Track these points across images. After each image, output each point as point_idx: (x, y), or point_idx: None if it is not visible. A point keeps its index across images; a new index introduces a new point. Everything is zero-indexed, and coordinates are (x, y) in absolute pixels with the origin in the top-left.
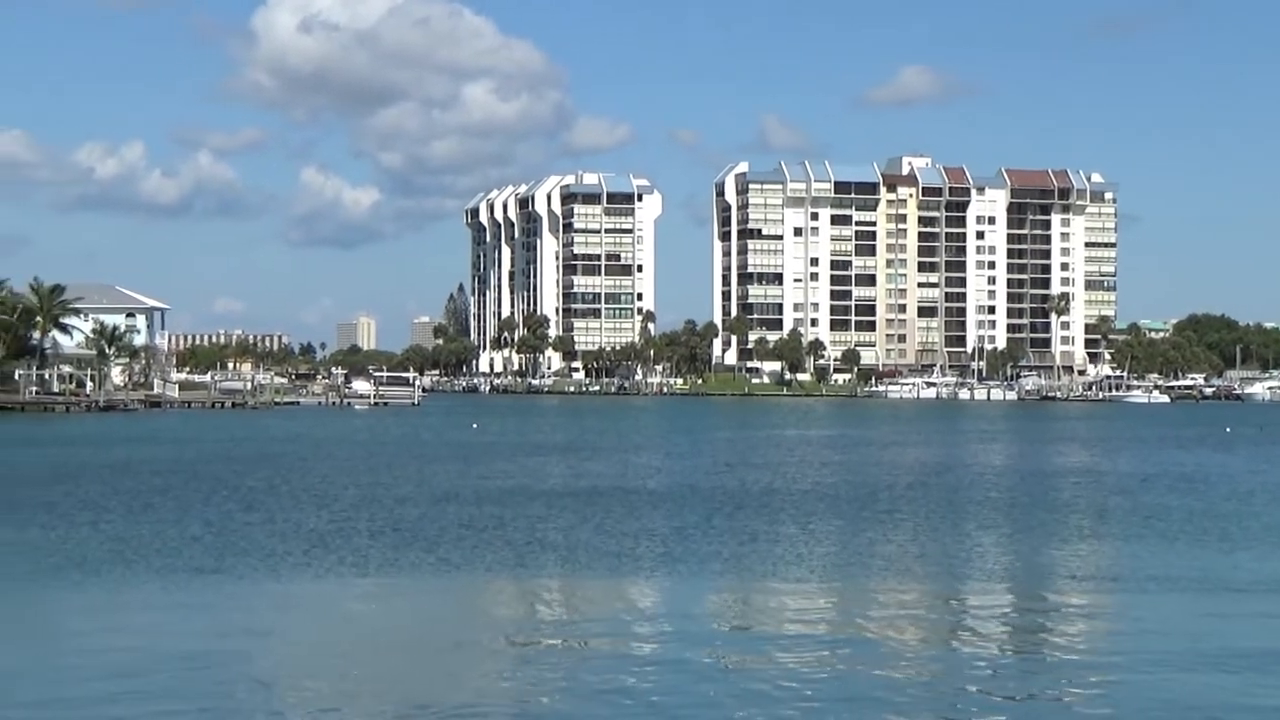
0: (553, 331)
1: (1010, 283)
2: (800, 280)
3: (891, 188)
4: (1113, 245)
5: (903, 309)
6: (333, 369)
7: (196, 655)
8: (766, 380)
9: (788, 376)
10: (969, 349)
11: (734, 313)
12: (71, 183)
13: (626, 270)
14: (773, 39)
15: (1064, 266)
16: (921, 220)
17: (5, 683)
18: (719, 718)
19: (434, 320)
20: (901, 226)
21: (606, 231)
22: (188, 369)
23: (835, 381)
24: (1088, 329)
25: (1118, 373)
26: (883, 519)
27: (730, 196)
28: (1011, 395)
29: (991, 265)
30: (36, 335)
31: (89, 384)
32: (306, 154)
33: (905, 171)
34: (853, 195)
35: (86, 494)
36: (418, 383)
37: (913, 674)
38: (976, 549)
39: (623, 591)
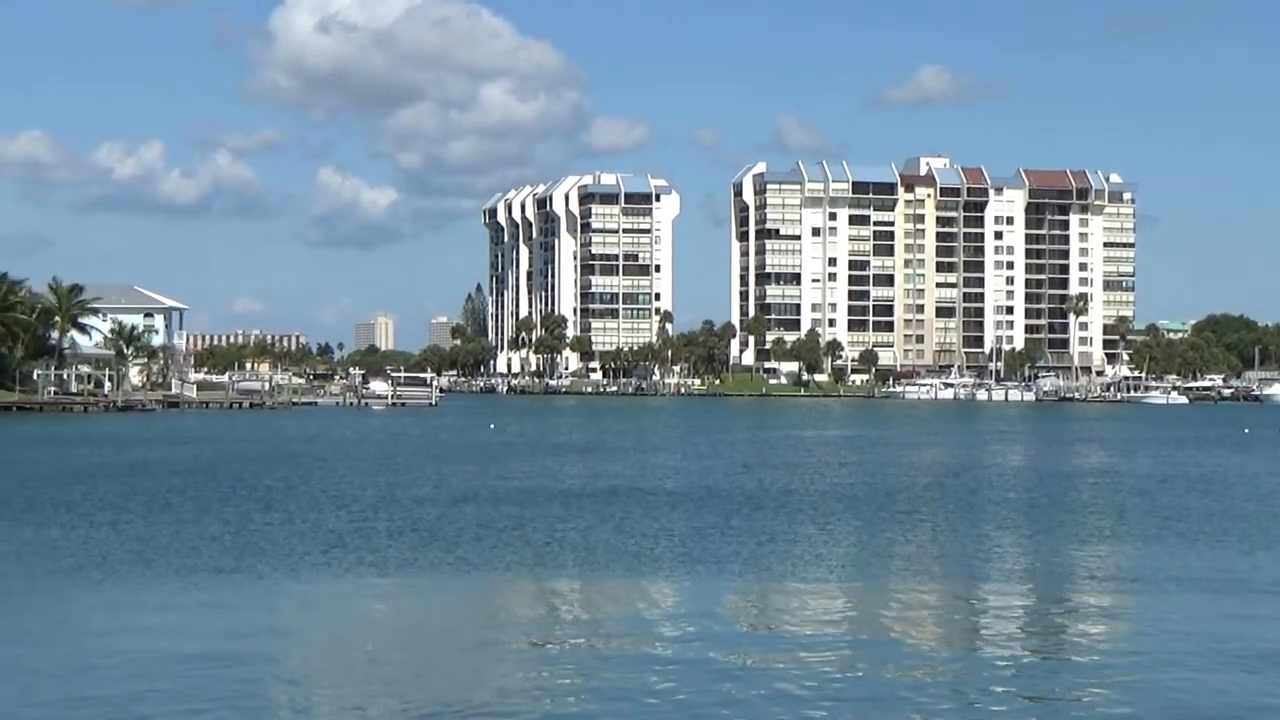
0: (570, 332)
1: (1028, 283)
2: (818, 281)
3: (909, 188)
4: (1131, 246)
5: (920, 309)
6: (350, 369)
7: (219, 655)
8: (784, 381)
9: (805, 377)
10: (987, 349)
11: (751, 313)
12: (90, 183)
13: (644, 270)
14: (790, 40)
15: (1082, 267)
16: (939, 220)
17: (31, 681)
18: (745, 716)
19: (452, 320)
20: (919, 227)
21: (624, 232)
22: (205, 369)
23: (853, 382)
24: (1106, 330)
25: (1136, 373)
26: (901, 519)
27: (748, 197)
28: (1029, 396)
29: (1010, 266)
30: (55, 335)
31: (107, 384)
32: (324, 154)
33: (923, 172)
34: (870, 195)
35: (106, 494)
36: (435, 383)
37: (935, 674)
38: (996, 549)
39: (642, 591)
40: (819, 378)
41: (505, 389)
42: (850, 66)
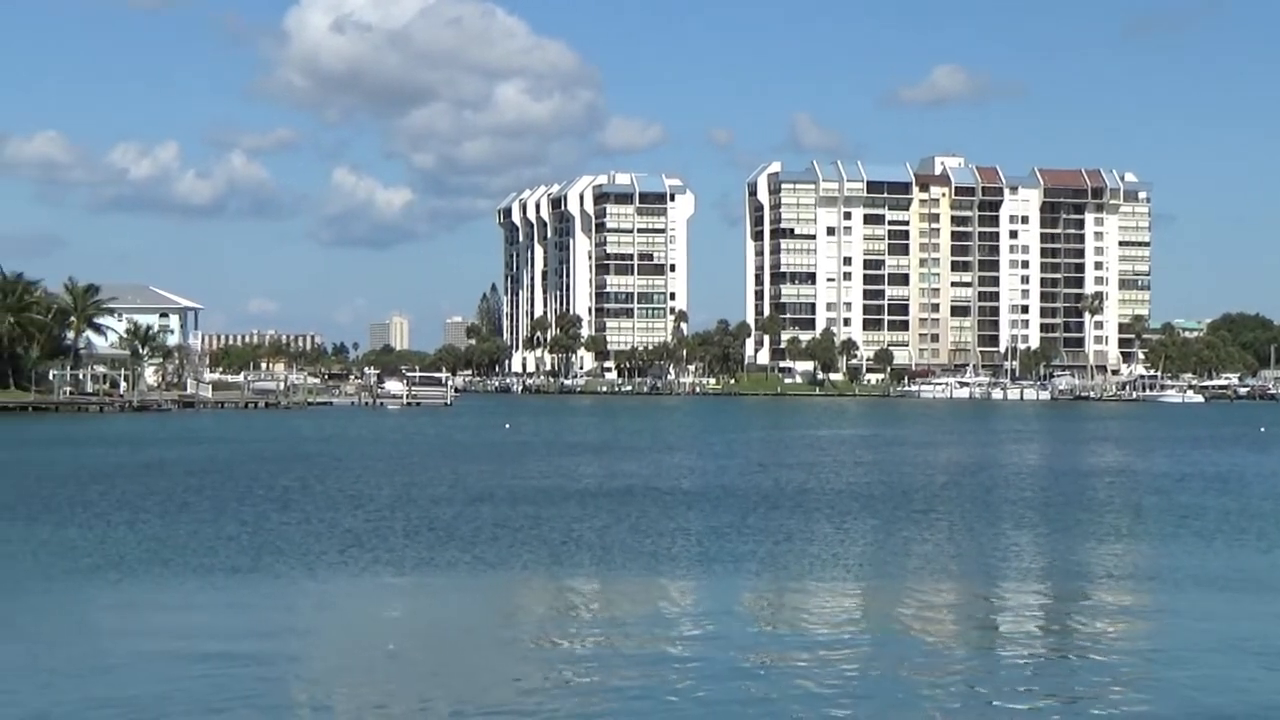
0: (585, 331)
1: (1044, 282)
2: (833, 280)
3: (924, 187)
4: (1146, 244)
5: (935, 309)
6: (365, 369)
7: (238, 654)
8: (799, 380)
9: (820, 376)
10: (1002, 349)
11: (766, 312)
12: (105, 183)
13: (659, 270)
14: (805, 39)
15: (1098, 266)
16: (954, 220)
17: (50, 680)
18: (766, 714)
19: (467, 320)
20: (934, 226)
21: (639, 231)
22: (221, 369)
23: (868, 381)
24: (1121, 329)
25: (1152, 373)
26: (918, 518)
27: (763, 196)
28: (1045, 395)
29: (1025, 265)
30: (71, 335)
31: (123, 384)
32: (339, 154)
33: (938, 171)
34: (885, 195)
35: (123, 493)
36: (450, 383)
37: (954, 673)
38: (1013, 548)
39: (660, 590)
40: (834, 377)
41: (520, 389)
42: (865, 66)
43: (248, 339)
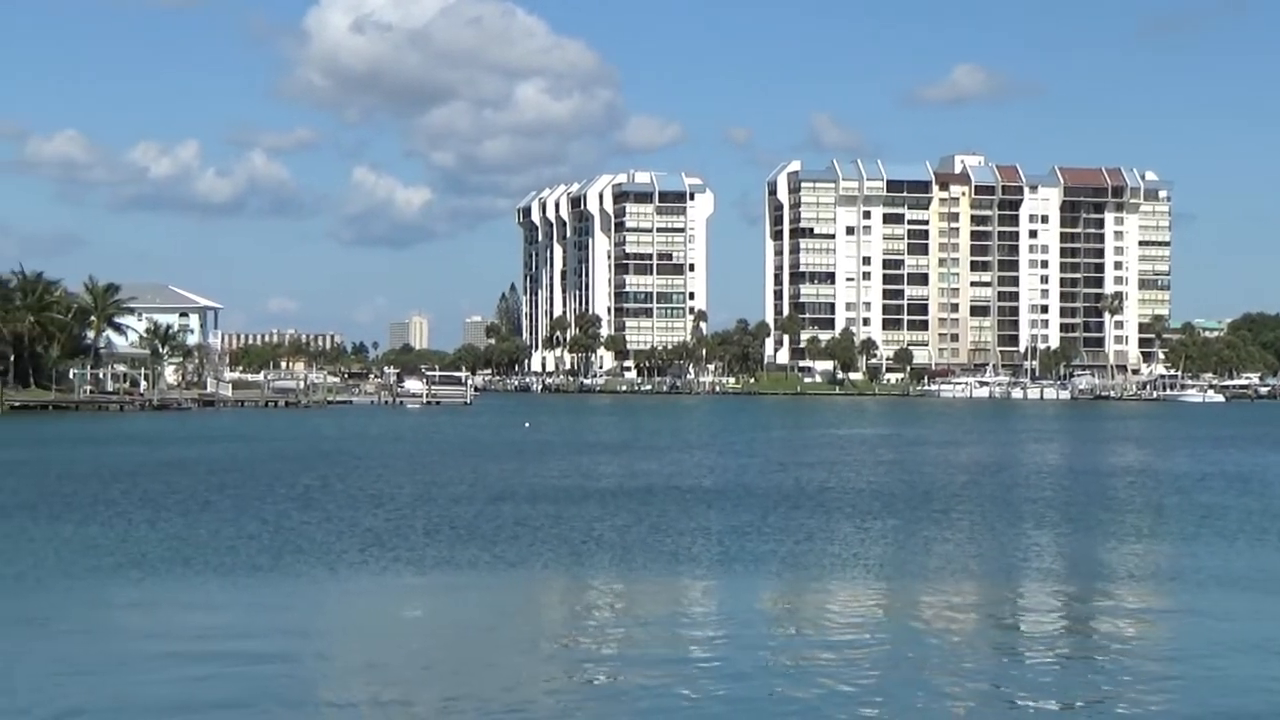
0: (605, 331)
1: (1063, 282)
2: (852, 279)
3: (944, 186)
4: (1167, 244)
5: (955, 308)
6: (385, 368)
7: (261, 654)
8: (818, 379)
9: (840, 376)
10: (1022, 348)
11: (786, 312)
12: (126, 182)
13: (678, 269)
14: (824, 38)
15: (1118, 265)
16: (974, 219)
17: (77, 681)
18: (792, 714)
19: (486, 320)
20: (954, 225)
21: (658, 230)
22: (241, 368)
23: (887, 381)
24: (1142, 328)
25: (1172, 372)
26: (939, 518)
27: (782, 195)
28: (1065, 395)
29: (1045, 264)
30: (91, 335)
31: (143, 383)
32: (359, 153)
33: (958, 170)
34: (905, 194)
35: (144, 492)
36: (470, 382)
37: (977, 672)
38: (1034, 548)
39: (682, 590)
40: (854, 376)
41: (540, 388)
42: (884, 65)
43: (267, 338)
